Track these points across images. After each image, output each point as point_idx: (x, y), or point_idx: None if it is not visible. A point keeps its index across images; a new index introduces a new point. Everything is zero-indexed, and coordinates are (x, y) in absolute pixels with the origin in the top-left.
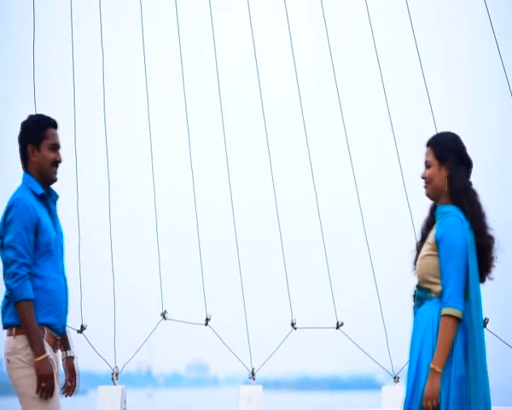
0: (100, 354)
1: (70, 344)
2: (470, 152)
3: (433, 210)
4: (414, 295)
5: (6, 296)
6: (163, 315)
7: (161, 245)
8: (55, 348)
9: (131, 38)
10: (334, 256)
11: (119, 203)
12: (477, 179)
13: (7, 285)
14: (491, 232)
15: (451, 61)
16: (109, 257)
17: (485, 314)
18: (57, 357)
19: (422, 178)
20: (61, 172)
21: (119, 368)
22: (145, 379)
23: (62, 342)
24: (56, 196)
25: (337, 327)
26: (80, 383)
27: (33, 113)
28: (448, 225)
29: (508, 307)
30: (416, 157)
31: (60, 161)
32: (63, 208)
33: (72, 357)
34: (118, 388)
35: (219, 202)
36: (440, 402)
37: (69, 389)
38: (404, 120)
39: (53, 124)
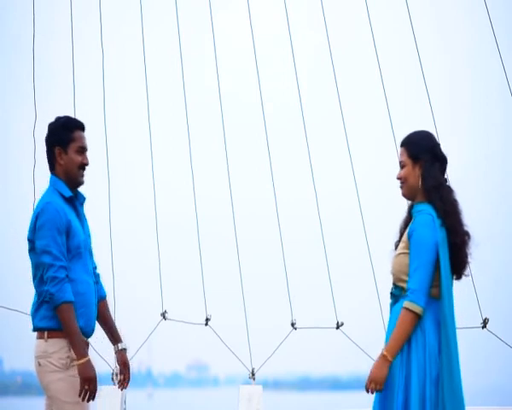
0: (100, 354)
1: (120, 337)
2: (470, 152)
3: (410, 209)
4: (391, 293)
5: (37, 300)
6: (163, 315)
7: (161, 245)
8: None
9: (131, 37)
10: (334, 256)
11: (119, 203)
12: (478, 179)
13: (46, 291)
14: (465, 229)
15: (451, 61)
16: (109, 257)
17: (485, 314)
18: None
19: (398, 178)
20: None
21: (119, 368)
22: (145, 379)
23: (113, 336)
24: (83, 198)
25: (337, 327)
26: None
27: (33, 112)
28: (419, 222)
29: (508, 307)
30: None
31: (87, 164)
32: None
33: (125, 349)
34: (117, 388)
35: (219, 202)
36: (413, 402)
37: (124, 382)
38: (404, 120)
39: (80, 126)
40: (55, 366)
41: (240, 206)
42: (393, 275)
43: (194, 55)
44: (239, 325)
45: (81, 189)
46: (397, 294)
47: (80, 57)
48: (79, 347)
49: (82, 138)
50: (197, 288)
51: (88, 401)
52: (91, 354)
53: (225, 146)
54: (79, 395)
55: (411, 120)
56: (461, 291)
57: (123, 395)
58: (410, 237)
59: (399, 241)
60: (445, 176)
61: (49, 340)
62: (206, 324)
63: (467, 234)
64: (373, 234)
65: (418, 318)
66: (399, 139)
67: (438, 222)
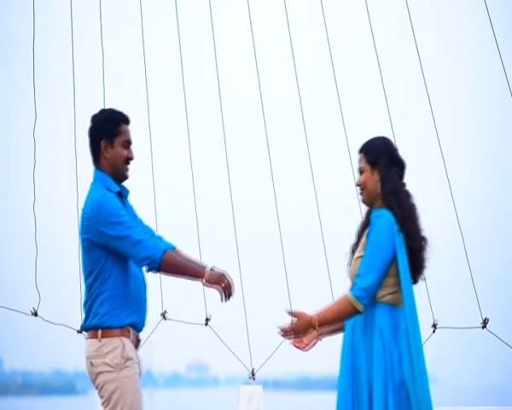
0: None
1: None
2: (470, 152)
3: (368, 214)
4: None
5: (88, 299)
6: (163, 315)
7: None
8: (137, 348)
9: (131, 37)
10: (334, 256)
11: None
12: (478, 179)
13: (141, 259)
14: (422, 234)
15: (451, 61)
16: None
17: (485, 314)
18: (139, 356)
19: (357, 185)
20: (61, 171)
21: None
22: (145, 379)
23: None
24: (127, 192)
25: None
26: (80, 383)
27: (33, 112)
28: (377, 226)
29: (508, 307)
30: (416, 157)
31: (132, 158)
32: (63, 208)
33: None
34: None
35: (219, 202)
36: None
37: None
38: (404, 120)
39: (126, 120)
40: (110, 366)
41: (240, 206)
42: (350, 279)
43: (194, 55)
44: (239, 325)
45: (81, 189)
46: None
47: (80, 57)
48: (197, 268)
49: (127, 132)
50: (197, 288)
51: (229, 295)
52: None
53: (225, 146)
54: (221, 300)
55: (411, 120)
56: (461, 291)
57: None
58: (367, 239)
59: (356, 245)
60: (404, 180)
61: (103, 340)
62: (206, 324)
63: (424, 239)
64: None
65: (357, 313)
66: (399, 139)
67: (396, 227)
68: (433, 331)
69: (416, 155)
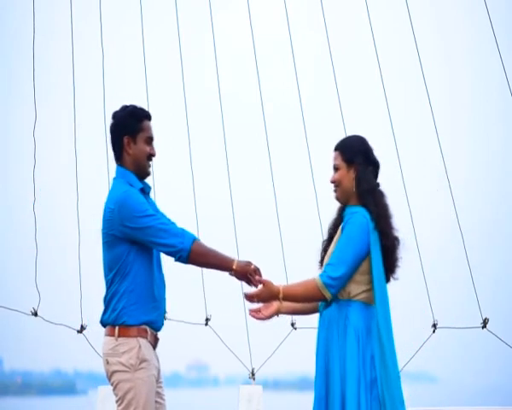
0: (100, 354)
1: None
2: (470, 152)
3: (341, 212)
4: None
5: (107, 294)
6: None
7: None
8: (155, 347)
9: (131, 37)
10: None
11: None
12: (478, 179)
13: (169, 247)
14: (396, 233)
15: (451, 62)
16: None
17: (485, 314)
18: (157, 355)
19: (332, 182)
20: (61, 171)
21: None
22: None
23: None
24: (149, 188)
25: None
26: (80, 383)
27: (33, 112)
28: (353, 222)
29: (508, 307)
30: (417, 157)
31: (154, 155)
32: (63, 208)
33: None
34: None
35: (219, 202)
36: (349, 407)
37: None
38: (404, 120)
39: (148, 116)
40: (125, 366)
41: (240, 206)
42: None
43: (194, 55)
44: (239, 325)
45: (81, 188)
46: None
47: (80, 57)
48: (226, 258)
49: (150, 128)
50: (197, 288)
51: (256, 284)
52: (91, 353)
53: (225, 146)
54: (251, 285)
55: (411, 120)
56: (461, 291)
57: None
58: (341, 234)
59: (328, 242)
60: (378, 180)
61: (120, 339)
62: (206, 324)
63: (396, 239)
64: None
65: (323, 300)
66: (399, 139)
67: (371, 225)
68: (433, 331)
69: (416, 155)
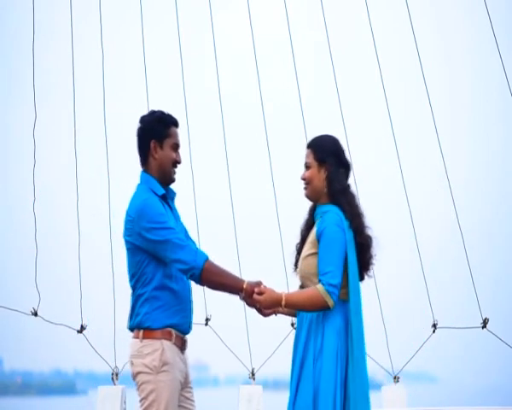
0: (100, 354)
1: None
2: (470, 152)
3: (312, 211)
4: None
5: (133, 299)
6: None
7: None
8: (182, 350)
9: (131, 37)
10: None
11: (119, 203)
12: (478, 179)
13: (182, 264)
14: (369, 232)
15: (451, 62)
16: (109, 257)
17: (485, 314)
18: (185, 359)
19: (302, 179)
20: (61, 171)
21: (119, 368)
22: None
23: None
24: (174, 194)
25: None
26: (80, 383)
27: (33, 112)
28: (328, 220)
29: (508, 307)
30: (416, 157)
31: (180, 162)
32: (63, 208)
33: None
34: (118, 388)
35: (219, 202)
36: (328, 405)
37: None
38: (404, 120)
39: (175, 123)
40: (148, 367)
41: (240, 206)
42: (302, 278)
43: (194, 55)
44: (239, 325)
45: (81, 188)
46: None
47: (80, 57)
48: (236, 282)
49: (177, 135)
50: (197, 288)
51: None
52: (91, 353)
53: (225, 146)
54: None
55: (411, 120)
56: (461, 291)
57: (123, 395)
58: (319, 236)
59: (301, 243)
60: (348, 182)
61: (144, 341)
62: (206, 324)
63: (370, 237)
64: (373, 234)
65: (326, 308)
66: (399, 139)
67: (345, 224)
68: (433, 331)
69: (416, 155)
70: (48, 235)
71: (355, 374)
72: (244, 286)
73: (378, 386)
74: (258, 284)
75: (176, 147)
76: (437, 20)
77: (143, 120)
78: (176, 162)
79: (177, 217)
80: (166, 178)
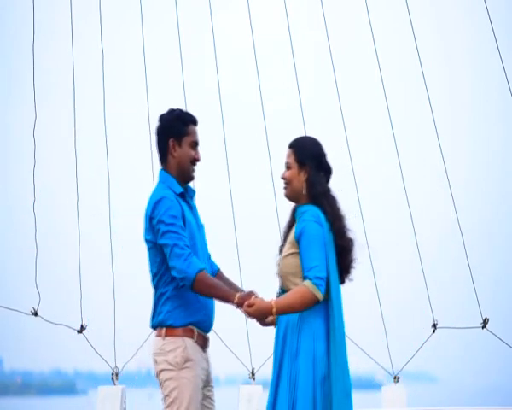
0: (100, 354)
1: (239, 288)
2: (470, 152)
3: (294, 212)
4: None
5: (155, 298)
6: None
7: None
8: (204, 348)
9: (131, 37)
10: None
11: (119, 203)
12: (478, 179)
13: (176, 272)
14: (351, 234)
15: (451, 62)
16: (109, 257)
17: (485, 314)
18: (207, 357)
19: (282, 178)
20: (61, 171)
21: (119, 368)
22: (145, 379)
23: (233, 289)
24: (193, 192)
25: None
26: (80, 383)
27: (33, 112)
28: (308, 220)
29: (508, 307)
30: (416, 157)
31: (199, 160)
32: (63, 208)
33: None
34: (118, 388)
35: (219, 202)
36: (300, 403)
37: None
38: (404, 120)
39: (194, 121)
40: (170, 364)
41: (240, 206)
42: (281, 277)
43: (194, 55)
44: (239, 325)
45: (81, 188)
46: None
47: (80, 57)
48: (228, 292)
49: (195, 133)
50: None
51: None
52: (91, 353)
53: (225, 146)
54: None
55: (411, 120)
56: (461, 291)
57: (123, 395)
58: (299, 235)
59: (284, 243)
60: (329, 185)
61: (167, 338)
62: None
63: (351, 240)
64: (373, 234)
65: (315, 302)
66: (399, 139)
67: (326, 226)
68: (433, 331)
69: (416, 155)
70: (48, 235)
71: (338, 375)
72: (235, 300)
73: (378, 386)
74: (250, 295)
75: (195, 145)
76: (437, 20)
77: (162, 118)
78: (195, 160)
79: (195, 215)
80: (185, 176)
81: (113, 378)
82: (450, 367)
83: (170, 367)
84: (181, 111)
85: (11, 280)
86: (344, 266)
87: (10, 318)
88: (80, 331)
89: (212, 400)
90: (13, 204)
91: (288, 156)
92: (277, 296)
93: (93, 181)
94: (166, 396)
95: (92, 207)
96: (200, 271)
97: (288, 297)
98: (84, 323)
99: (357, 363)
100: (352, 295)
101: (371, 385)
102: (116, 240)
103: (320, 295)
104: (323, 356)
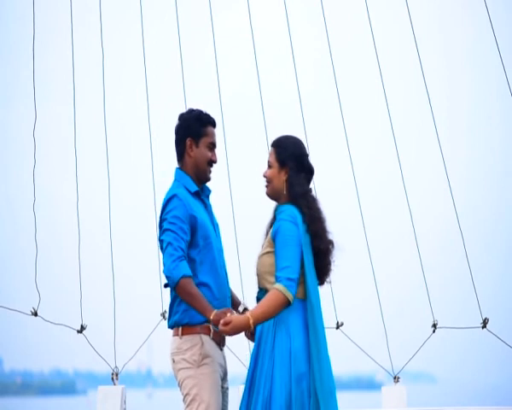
0: (100, 354)
1: (239, 300)
2: (470, 152)
3: (275, 211)
4: (257, 298)
5: (171, 297)
6: (163, 315)
7: None
8: (221, 346)
9: (131, 37)
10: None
11: (119, 203)
12: (478, 178)
13: (164, 270)
14: (330, 236)
15: (451, 62)
16: (109, 257)
17: (485, 314)
18: (224, 355)
19: (263, 176)
20: (61, 171)
21: (119, 368)
22: (145, 379)
23: (234, 302)
24: (209, 191)
25: (337, 327)
26: (80, 383)
27: (33, 112)
28: (283, 218)
29: (508, 307)
30: (416, 157)
31: (215, 162)
32: (63, 208)
33: (246, 309)
34: (118, 388)
35: (219, 202)
36: (276, 400)
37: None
38: (404, 120)
39: (213, 123)
40: (188, 362)
41: (240, 206)
42: (258, 276)
43: (195, 54)
44: None
45: (81, 189)
46: (261, 297)
47: (80, 57)
48: (204, 310)
49: (213, 135)
50: None
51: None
52: (91, 353)
53: (225, 146)
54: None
55: (411, 120)
56: (461, 291)
57: (123, 395)
58: (274, 235)
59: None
60: (310, 186)
61: (184, 337)
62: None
63: (331, 242)
64: (373, 234)
65: (288, 304)
66: (399, 139)
67: (303, 228)
68: (433, 331)
69: (416, 155)
70: (48, 235)
71: (322, 373)
72: (211, 317)
73: (378, 386)
74: (225, 312)
75: (212, 146)
76: (437, 21)
77: (181, 117)
78: (211, 161)
79: (211, 213)
80: (201, 177)
81: (113, 378)
82: (450, 367)
83: (188, 366)
84: (200, 112)
85: (11, 280)
86: (320, 267)
87: (10, 318)
88: (80, 331)
89: (226, 401)
90: (13, 204)
91: (270, 155)
92: (257, 296)
93: (93, 181)
94: (187, 395)
95: (92, 207)
96: (185, 277)
97: (262, 305)
98: (84, 323)
99: (357, 363)
100: (352, 295)
101: (371, 385)
102: (116, 240)
103: (291, 297)
104: (300, 353)
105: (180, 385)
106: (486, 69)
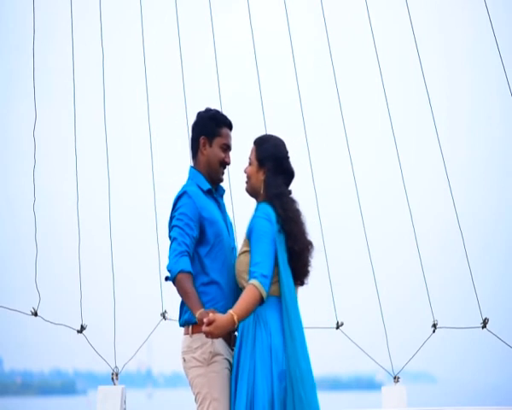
0: (100, 354)
1: None
2: (470, 152)
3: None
4: None
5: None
6: (163, 315)
7: (161, 245)
8: (231, 345)
9: (131, 37)
10: (334, 256)
11: (119, 203)
12: (478, 179)
13: (168, 263)
14: (308, 238)
15: (451, 62)
16: (109, 257)
17: (485, 314)
18: (233, 354)
19: (244, 172)
20: (61, 171)
21: (119, 368)
22: (145, 379)
23: None
24: (223, 191)
25: (337, 327)
26: (80, 383)
27: (33, 112)
28: (257, 215)
29: (508, 307)
30: (416, 157)
31: (228, 163)
32: (63, 208)
33: None
34: (118, 388)
35: None
36: (259, 398)
37: None
38: (404, 120)
39: (229, 124)
40: (198, 361)
41: (239, 206)
42: (236, 276)
43: (195, 55)
44: None
45: (81, 189)
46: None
47: (80, 57)
48: (193, 307)
49: (228, 136)
50: None
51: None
52: (91, 353)
53: None
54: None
55: (411, 119)
56: (461, 291)
57: (123, 395)
58: (249, 232)
59: None
60: (289, 188)
61: (194, 335)
62: None
63: (310, 244)
64: (373, 234)
65: (262, 301)
66: (399, 139)
67: (276, 227)
68: (433, 331)
69: (416, 155)
70: (48, 235)
71: (301, 371)
72: (197, 315)
73: (378, 386)
74: (207, 312)
75: (226, 148)
76: (437, 20)
77: (198, 115)
78: (224, 163)
79: (224, 212)
80: (213, 177)
81: (113, 378)
82: (450, 367)
83: (198, 364)
84: (217, 111)
85: (11, 280)
86: (296, 268)
87: (10, 318)
88: (80, 331)
89: None
90: (13, 204)
91: (251, 152)
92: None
93: (93, 181)
94: (198, 393)
95: (92, 207)
96: (182, 272)
97: (243, 301)
98: (84, 323)
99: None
100: (352, 295)
101: (371, 385)
102: (116, 240)
103: (265, 294)
104: (281, 350)
105: (191, 384)
106: (486, 69)
